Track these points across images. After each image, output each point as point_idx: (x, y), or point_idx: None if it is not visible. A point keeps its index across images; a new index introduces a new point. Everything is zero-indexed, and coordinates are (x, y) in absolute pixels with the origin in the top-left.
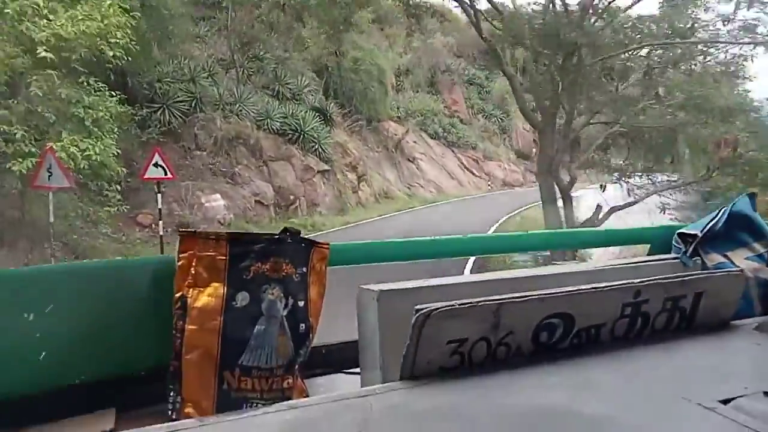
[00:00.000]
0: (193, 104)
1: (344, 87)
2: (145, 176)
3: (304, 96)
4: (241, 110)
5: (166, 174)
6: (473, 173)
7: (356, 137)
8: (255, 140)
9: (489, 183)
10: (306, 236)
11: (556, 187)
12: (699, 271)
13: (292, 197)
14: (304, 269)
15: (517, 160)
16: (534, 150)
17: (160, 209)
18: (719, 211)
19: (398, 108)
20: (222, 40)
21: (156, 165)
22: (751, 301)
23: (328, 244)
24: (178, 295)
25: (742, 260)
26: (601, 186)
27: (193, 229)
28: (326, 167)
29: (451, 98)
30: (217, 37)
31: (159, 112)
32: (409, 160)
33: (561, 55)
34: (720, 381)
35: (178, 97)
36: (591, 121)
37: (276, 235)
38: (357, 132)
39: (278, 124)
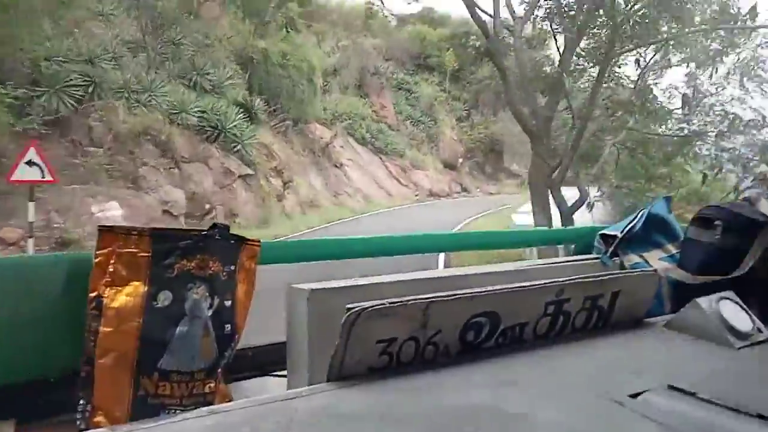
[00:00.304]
0: (90, 90)
1: (270, 82)
2: (13, 178)
3: (226, 89)
4: (150, 100)
5: (43, 176)
6: (400, 182)
7: (282, 139)
8: (166, 137)
9: (416, 193)
10: (236, 233)
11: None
12: (616, 271)
13: (207, 206)
14: (233, 267)
15: (444, 170)
16: (460, 160)
17: (31, 222)
18: (638, 213)
19: (325, 109)
20: (131, 20)
21: (30, 163)
22: (662, 299)
23: (259, 241)
24: (93, 294)
25: (656, 261)
26: (589, 205)
27: (112, 224)
28: (249, 171)
29: (379, 102)
30: (125, 15)
31: (44, 98)
32: (336, 166)
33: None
34: (632, 376)
35: (71, 80)
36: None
37: (204, 231)
38: (283, 133)
39: (195, 119)
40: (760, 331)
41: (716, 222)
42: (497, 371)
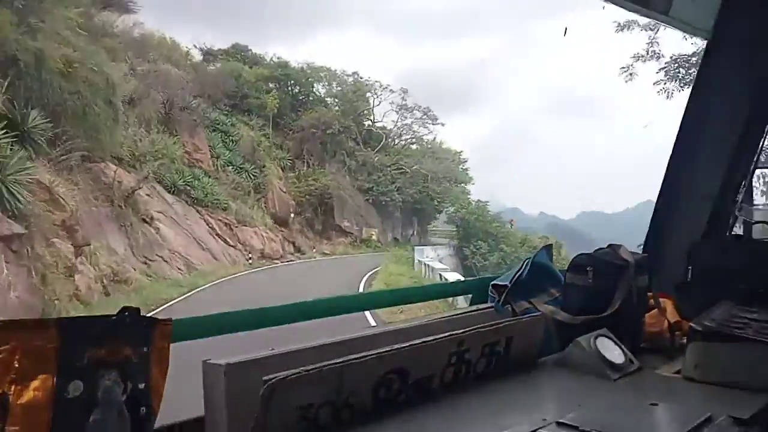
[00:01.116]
0: None
1: (49, 97)
2: None
3: None
4: None
5: None
6: (227, 242)
7: (67, 178)
8: None
9: (248, 255)
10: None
11: None
12: (508, 318)
13: None
14: (145, 349)
15: (274, 226)
16: (292, 215)
17: None
18: (524, 262)
19: (122, 146)
20: None
21: None
22: (551, 339)
23: (170, 319)
24: None
25: (542, 305)
26: None
27: (13, 318)
28: (19, 229)
29: (192, 143)
30: None
31: None
32: (144, 220)
33: None
34: (526, 415)
35: None
36: None
37: (113, 316)
38: (68, 170)
39: None
40: (631, 362)
41: (588, 268)
42: (408, 425)
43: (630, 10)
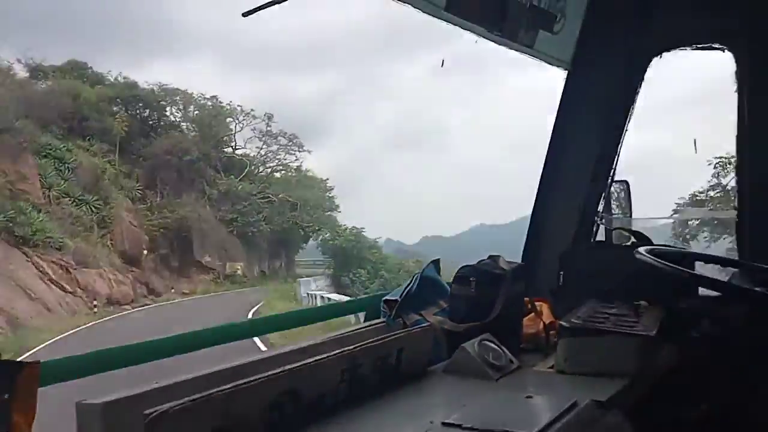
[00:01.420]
0: None
1: None
2: None
3: None
4: None
5: None
6: (64, 288)
7: None
8: None
9: (92, 302)
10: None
11: None
12: (398, 331)
13: None
14: (6, 396)
15: (123, 266)
16: (145, 252)
17: None
18: (413, 277)
19: None
20: None
21: None
22: (441, 348)
23: (38, 362)
24: None
25: (431, 316)
26: None
27: None
28: None
29: (16, 171)
30: None
31: None
32: None
33: None
34: (415, 419)
35: None
36: None
37: None
38: None
39: None
40: (511, 362)
41: (471, 278)
42: None
43: (499, 44)
